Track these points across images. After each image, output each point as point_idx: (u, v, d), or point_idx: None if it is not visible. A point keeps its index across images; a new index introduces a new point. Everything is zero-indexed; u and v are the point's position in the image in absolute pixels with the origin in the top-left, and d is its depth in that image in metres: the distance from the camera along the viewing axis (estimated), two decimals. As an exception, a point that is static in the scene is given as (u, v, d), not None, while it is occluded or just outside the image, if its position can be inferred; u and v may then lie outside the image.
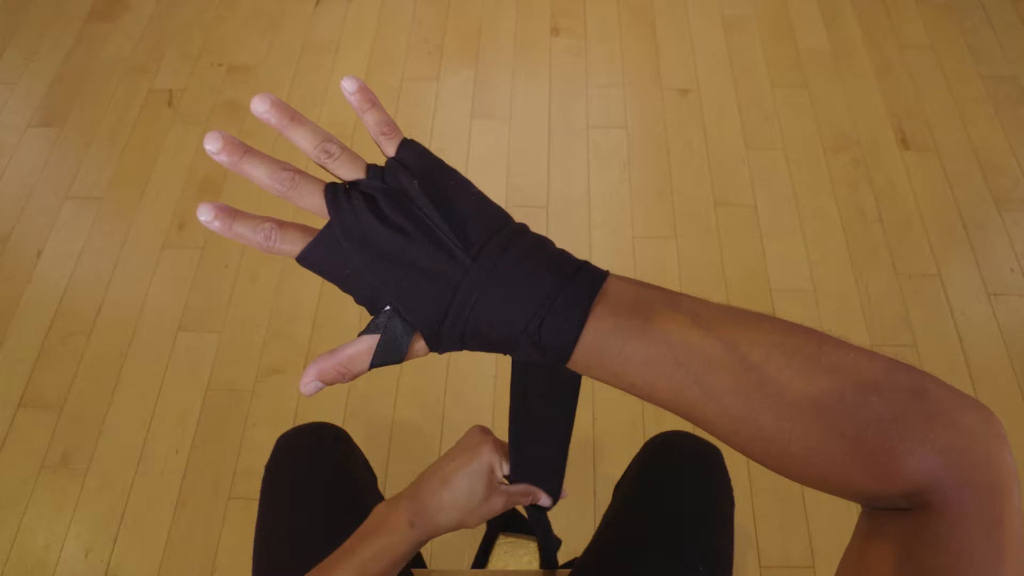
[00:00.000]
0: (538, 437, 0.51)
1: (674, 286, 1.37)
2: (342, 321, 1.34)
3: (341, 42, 1.75)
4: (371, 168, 0.33)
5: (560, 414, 0.49)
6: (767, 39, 1.75)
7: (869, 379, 0.27)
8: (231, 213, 0.31)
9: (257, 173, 0.31)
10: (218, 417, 1.25)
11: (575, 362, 0.30)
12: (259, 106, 0.31)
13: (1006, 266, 1.41)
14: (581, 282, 0.30)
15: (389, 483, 1.17)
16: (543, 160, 1.55)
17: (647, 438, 0.75)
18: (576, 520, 1.15)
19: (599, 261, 1.39)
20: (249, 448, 1.21)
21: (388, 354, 0.32)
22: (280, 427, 0.75)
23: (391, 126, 0.34)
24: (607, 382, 0.31)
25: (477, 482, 0.52)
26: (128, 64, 1.71)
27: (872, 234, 1.45)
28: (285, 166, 0.32)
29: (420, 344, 0.32)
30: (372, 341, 0.32)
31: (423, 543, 0.51)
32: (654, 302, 0.30)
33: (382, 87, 1.67)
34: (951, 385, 0.28)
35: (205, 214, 0.30)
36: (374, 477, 0.78)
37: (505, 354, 0.32)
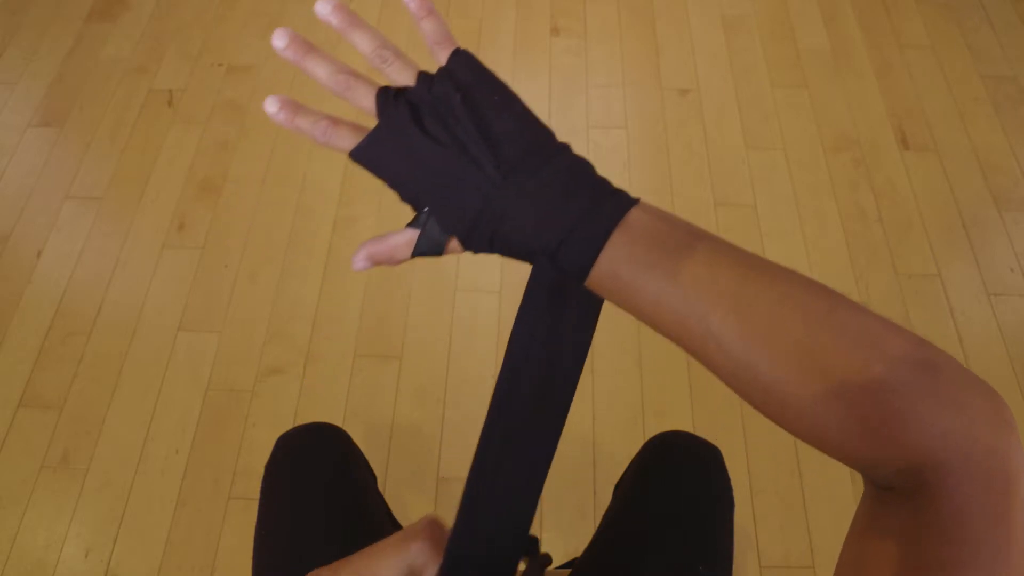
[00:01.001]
0: (505, 484, 0.37)
1: (674, 286, 1.37)
2: (342, 321, 1.34)
3: (341, 42, 1.74)
4: (421, 76, 0.34)
5: (543, 445, 0.37)
6: (767, 39, 1.75)
7: (876, 344, 0.27)
8: (295, 107, 0.33)
9: (319, 71, 0.34)
10: (218, 417, 1.25)
11: (591, 282, 0.32)
12: (323, 8, 0.34)
13: (1006, 266, 1.41)
14: (605, 210, 0.31)
15: (389, 483, 1.18)
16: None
17: (647, 438, 0.75)
18: (576, 520, 1.15)
19: (599, 261, 1.39)
20: (249, 448, 1.21)
21: (427, 249, 0.35)
22: (280, 427, 0.75)
23: (446, 35, 0.35)
24: (619, 306, 0.32)
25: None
26: (128, 64, 1.71)
27: (872, 234, 1.45)
28: (343, 68, 0.34)
29: (455, 242, 0.34)
30: (414, 234, 0.35)
31: None
32: (673, 238, 0.30)
33: (382, 87, 1.67)
34: (968, 369, 0.27)
35: (271, 106, 0.33)
36: (374, 477, 0.78)
37: (532, 263, 0.33)
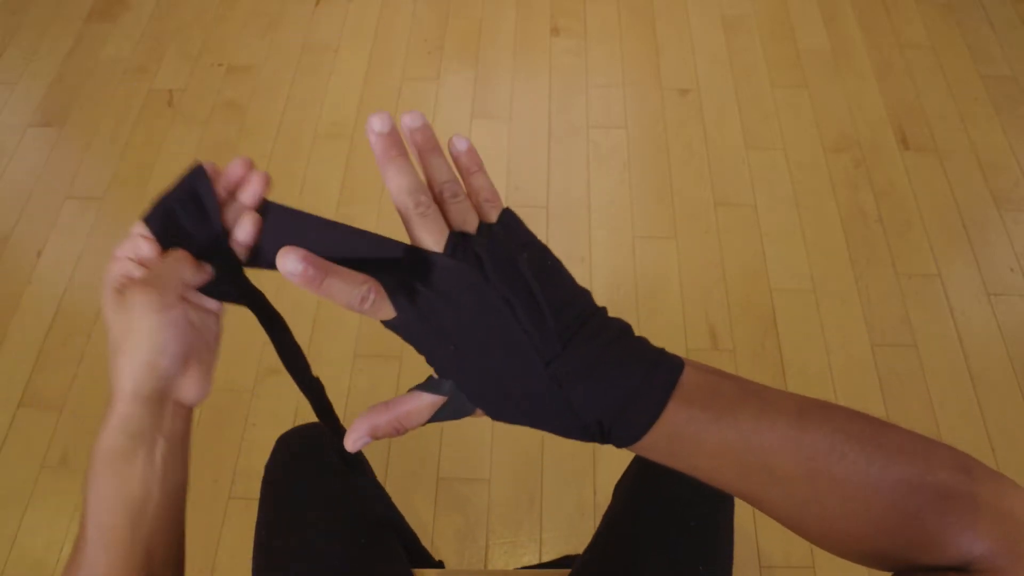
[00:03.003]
0: None
1: (674, 286, 1.37)
2: (342, 321, 1.34)
3: (341, 42, 1.75)
4: (483, 226, 0.32)
5: None
6: (767, 39, 1.75)
7: (925, 457, 0.29)
8: (324, 266, 0.28)
9: (398, 180, 0.31)
10: (218, 417, 1.25)
11: (641, 447, 0.31)
12: (412, 120, 0.33)
13: (1006, 266, 1.41)
14: (660, 373, 0.31)
15: (389, 483, 1.17)
16: (543, 160, 1.55)
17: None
18: (576, 520, 1.15)
19: (599, 261, 1.39)
20: (249, 448, 1.21)
21: (450, 416, 0.31)
22: (280, 427, 0.75)
23: (495, 193, 0.33)
24: (667, 463, 0.32)
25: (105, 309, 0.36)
26: (128, 64, 1.71)
27: (872, 234, 1.45)
28: (424, 188, 0.31)
29: (480, 412, 0.32)
30: (432, 399, 0.31)
31: (119, 426, 0.35)
32: (725, 390, 0.31)
33: (382, 87, 1.67)
34: (984, 463, 0.30)
35: (291, 264, 0.27)
36: (371, 471, 0.78)
37: (561, 436, 0.32)
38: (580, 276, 1.38)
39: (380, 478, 1.17)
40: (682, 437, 0.30)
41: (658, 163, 1.55)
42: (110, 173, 1.53)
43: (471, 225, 0.31)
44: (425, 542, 1.13)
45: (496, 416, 0.32)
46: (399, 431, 0.31)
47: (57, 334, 1.33)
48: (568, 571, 0.67)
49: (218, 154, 1.56)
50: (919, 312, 1.35)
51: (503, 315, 0.29)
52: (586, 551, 0.68)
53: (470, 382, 0.31)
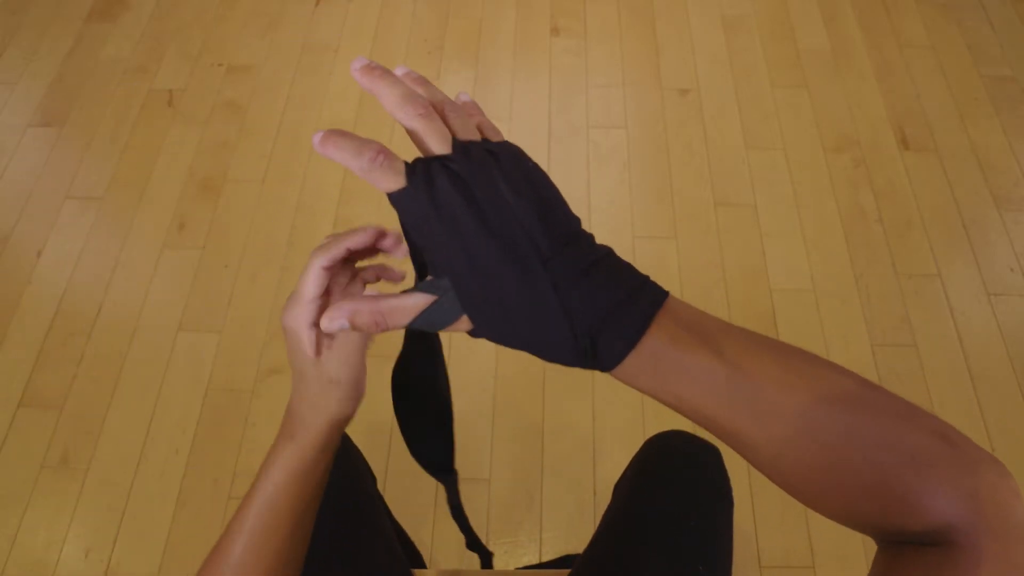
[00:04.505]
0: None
1: (674, 286, 1.37)
2: (342, 321, 1.34)
3: (341, 42, 1.75)
4: (484, 136, 0.33)
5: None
6: (767, 39, 1.75)
7: (909, 418, 0.29)
8: (335, 131, 0.29)
9: (390, 92, 0.31)
10: (218, 417, 1.25)
11: (624, 369, 0.30)
12: (401, 70, 0.33)
13: (1006, 266, 1.41)
14: (645, 295, 0.30)
15: (389, 483, 1.18)
16: (543, 160, 1.55)
17: (647, 438, 0.75)
18: (576, 520, 1.15)
19: (599, 261, 1.39)
20: (249, 448, 1.21)
21: (435, 320, 0.31)
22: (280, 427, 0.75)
23: (498, 130, 0.34)
24: (651, 393, 0.31)
25: (294, 356, 0.43)
26: (128, 64, 1.71)
27: (872, 234, 1.45)
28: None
29: (464, 320, 0.31)
30: (418, 301, 0.31)
31: (317, 447, 0.45)
32: (709, 323, 0.31)
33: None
34: (965, 435, 0.29)
35: (316, 137, 0.29)
36: (373, 478, 0.78)
37: (543, 357, 0.31)
38: (580, 276, 1.38)
39: (380, 478, 1.18)
40: (667, 358, 0.29)
41: (658, 163, 1.55)
42: (110, 173, 1.53)
43: (474, 136, 0.31)
44: (425, 542, 1.13)
45: (482, 327, 0.31)
46: (379, 326, 0.31)
47: (57, 334, 1.33)
48: (568, 571, 0.67)
49: (218, 154, 1.56)
50: (919, 312, 1.35)
51: (509, 208, 0.29)
52: (586, 551, 0.68)
53: (466, 276, 0.30)
